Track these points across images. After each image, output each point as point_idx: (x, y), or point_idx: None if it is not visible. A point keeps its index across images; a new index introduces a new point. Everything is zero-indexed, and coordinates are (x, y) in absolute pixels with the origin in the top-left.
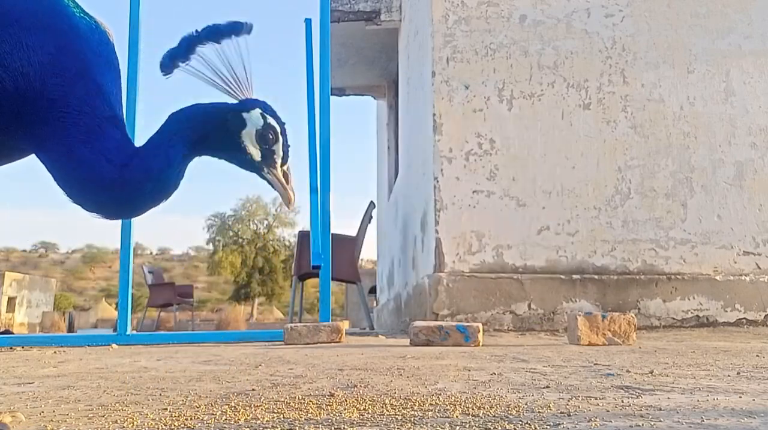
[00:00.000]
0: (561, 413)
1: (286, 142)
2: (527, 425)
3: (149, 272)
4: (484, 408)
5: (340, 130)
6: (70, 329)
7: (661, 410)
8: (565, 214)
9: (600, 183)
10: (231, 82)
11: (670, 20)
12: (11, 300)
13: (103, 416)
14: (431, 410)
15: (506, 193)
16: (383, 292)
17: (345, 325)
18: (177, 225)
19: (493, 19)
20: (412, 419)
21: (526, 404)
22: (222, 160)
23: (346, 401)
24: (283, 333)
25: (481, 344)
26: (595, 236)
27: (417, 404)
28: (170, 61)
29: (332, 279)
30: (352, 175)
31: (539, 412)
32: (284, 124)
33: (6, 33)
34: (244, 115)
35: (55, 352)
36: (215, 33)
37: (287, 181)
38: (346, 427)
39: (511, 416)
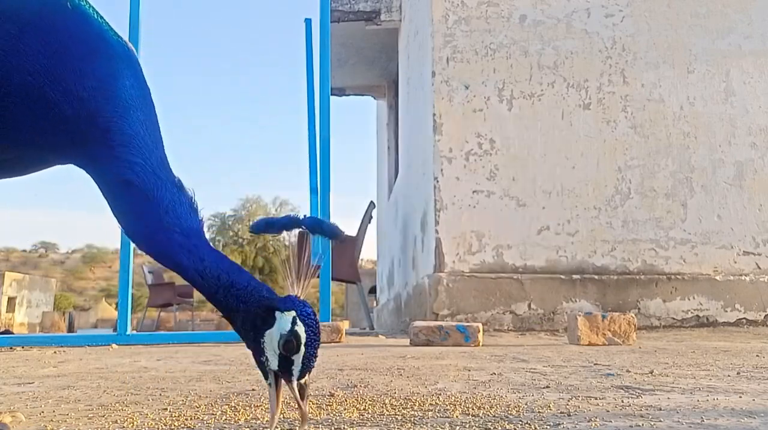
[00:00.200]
0: (561, 413)
1: (312, 354)
2: (527, 425)
3: (149, 272)
4: (484, 408)
5: (340, 130)
6: (70, 329)
7: (661, 410)
8: (565, 214)
9: (600, 183)
10: (293, 273)
11: (670, 20)
12: (11, 300)
13: (103, 416)
14: (431, 410)
15: (506, 193)
16: (383, 292)
17: (345, 325)
18: None
19: (493, 19)
20: (412, 419)
21: (526, 404)
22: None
23: (346, 401)
24: None
25: (481, 344)
26: (595, 236)
27: (417, 404)
28: (264, 228)
29: (332, 279)
30: (352, 175)
31: (539, 412)
32: (316, 337)
33: (64, 61)
34: (278, 314)
35: (55, 352)
36: (316, 228)
37: (303, 398)
38: (346, 427)
39: (511, 416)
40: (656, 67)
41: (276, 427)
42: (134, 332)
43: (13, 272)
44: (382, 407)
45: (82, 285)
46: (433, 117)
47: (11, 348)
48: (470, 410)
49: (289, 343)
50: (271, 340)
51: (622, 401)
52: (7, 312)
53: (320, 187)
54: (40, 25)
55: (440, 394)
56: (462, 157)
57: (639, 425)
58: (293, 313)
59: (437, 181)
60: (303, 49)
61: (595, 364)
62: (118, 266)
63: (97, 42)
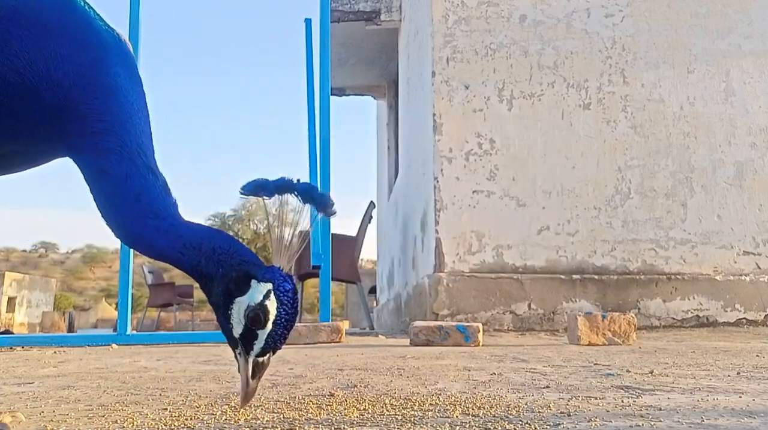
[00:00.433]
0: (561, 413)
1: (279, 334)
2: (527, 425)
3: (149, 272)
4: (484, 408)
5: (340, 130)
6: (70, 329)
7: (661, 410)
8: (565, 214)
9: (600, 183)
10: (280, 242)
11: (670, 20)
12: (11, 300)
13: (103, 416)
14: (431, 410)
15: (506, 193)
16: (383, 292)
17: (345, 325)
18: None
19: (493, 19)
20: (412, 419)
21: (526, 404)
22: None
23: (346, 401)
24: None
25: (481, 344)
26: (595, 236)
27: (417, 404)
28: (255, 190)
29: (332, 279)
30: (352, 175)
31: (539, 412)
32: (289, 317)
33: (39, 43)
34: (253, 282)
35: (55, 352)
36: (307, 195)
37: (254, 376)
38: (346, 427)
39: (511, 416)
40: (656, 67)
41: (247, 404)
42: (134, 332)
43: (13, 272)
44: (382, 407)
45: (82, 285)
46: (433, 117)
47: (11, 348)
48: (470, 410)
49: (256, 316)
50: (239, 309)
51: (622, 401)
52: (7, 312)
53: (320, 187)
54: (20, 10)
55: (440, 394)
56: (462, 157)
57: (639, 425)
58: (270, 285)
59: (437, 181)
60: (303, 49)
61: (595, 364)
62: (118, 266)
63: (82, 29)
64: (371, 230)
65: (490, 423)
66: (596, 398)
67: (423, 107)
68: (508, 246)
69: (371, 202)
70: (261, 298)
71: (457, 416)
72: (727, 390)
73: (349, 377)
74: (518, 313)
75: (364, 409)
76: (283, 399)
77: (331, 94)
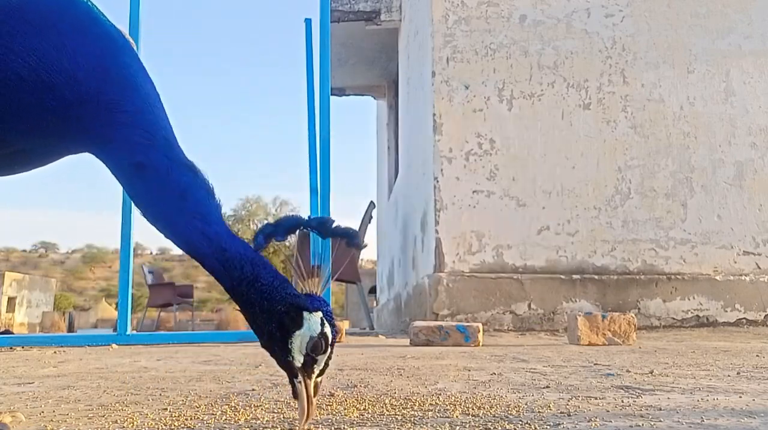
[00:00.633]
0: (561, 413)
1: (332, 353)
2: (527, 425)
3: (149, 272)
4: (484, 408)
5: (340, 130)
6: (70, 329)
7: (661, 410)
8: (565, 214)
9: (600, 183)
10: (305, 270)
11: (670, 20)
12: (11, 300)
13: (103, 416)
14: (431, 410)
15: (506, 193)
16: (383, 292)
17: (345, 325)
18: None
19: (493, 19)
20: (412, 419)
21: (526, 404)
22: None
23: (346, 401)
24: None
25: (481, 344)
26: (595, 236)
27: (417, 404)
28: (265, 241)
29: (332, 279)
30: (352, 175)
31: (539, 412)
32: (336, 334)
33: (48, 38)
34: (306, 314)
35: (55, 352)
36: (325, 229)
37: (315, 394)
38: (346, 427)
39: (511, 416)
40: (656, 67)
41: (306, 424)
42: (134, 332)
43: (13, 272)
44: (382, 407)
45: (82, 285)
46: (433, 117)
47: (11, 348)
48: (470, 410)
49: (319, 345)
50: (301, 341)
51: (622, 401)
52: (7, 312)
53: (320, 187)
54: (25, 7)
55: (440, 394)
56: (462, 157)
57: (639, 425)
58: (320, 313)
59: (437, 181)
60: (303, 49)
61: (595, 364)
62: (118, 266)
63: (88, 21)
64: (371, 230)
65: (490, 423)
66: (596, 398)
67: (423, 107)
68: (508, 246)
69: (371, 202)
70: (320, 328)
71: (457, 416)
72: (727, 390)
73: (349, 377)
74: (518, 313)
75: (364, 409)
76: (283, 399)
77: (331, 94)
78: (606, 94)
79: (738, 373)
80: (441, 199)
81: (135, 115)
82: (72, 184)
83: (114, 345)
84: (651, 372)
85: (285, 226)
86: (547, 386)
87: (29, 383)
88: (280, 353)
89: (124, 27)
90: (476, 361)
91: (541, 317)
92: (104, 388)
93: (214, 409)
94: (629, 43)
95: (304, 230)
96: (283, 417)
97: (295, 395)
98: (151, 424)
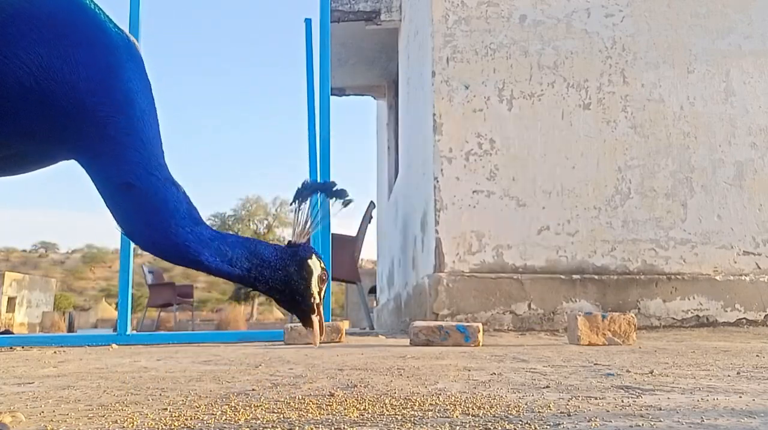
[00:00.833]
0: (561, 413)
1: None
2: (527, 425)
3: (149, 272)
4: (484, 408)
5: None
6: (70, 329)
7: (661, 410)
8: (565, 214)
9: (600, 183)
10: (301, 226)
11: (670, 20)
12: (11, 300)
13: (103, 416)
14: (431, 410)
15: (506, 193)
16: (383, 292)
17: (345, 325)
18: None
19: (493, 19)
20: (412, 419)
21: (526, 404)
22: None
23: (346, 401)
24: (283, 333)
25: (481, 344)
26: (595, 236)
27: (417, 404)
28: (302, 193)
29: (332, 279)
30: (352, 175)
31: (539, 412)
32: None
33: (53, 45)
34: (309, 262)
35: (55, 352)
36: (327, 190)
37: (319, 314)
38: (346, 427)
39: (511, 416)
40: (656, 67)
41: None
42: (134, 332)
43: (13, 272)
44: (382, 407)
45: (82, 285)
46: (433, 117)
47: (11, 348)
48: (470, 410)
49: (322, 277)
50: (314, 281)
51: (622, 401)
52: (7, 312)
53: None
54: (33, 13)
55: (440, 394)
56: (462, 157)
57: (639, 425)
58: (314, 255)
59: (437, 181)
60: (303, 49)
61: (595, 364)
62: (118, 266)
63: (95, 32)
64: (371, 230)
65: (490, 423)
66: (596, 398)
67: (423, 107)
68: (508, 246)
69: (371, 202)
70: (320, 266)
71: (457, 416)
72: (727, 390)
73: (349, 377)
74: (518, 313)
75: (364, 409)
76: (283, 399)
77: (331, 94)
78: (606, 94)
79: (738, 373)
80: (441, 199)
81: (128, 132)
82: (72, 185)
83: (114, 345)
84: (651, 372)
85: (310, 189)
86: (547, 386)
87: (29, 383)
88: (304, 300)
89: (124, 27)
90: (476, 361)
91: (541, 317)
92: (104, 388)
93: (214, 409)
94: (629, 43)
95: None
96: (283, 417)
97: (311, 326)
98: (151, 424)
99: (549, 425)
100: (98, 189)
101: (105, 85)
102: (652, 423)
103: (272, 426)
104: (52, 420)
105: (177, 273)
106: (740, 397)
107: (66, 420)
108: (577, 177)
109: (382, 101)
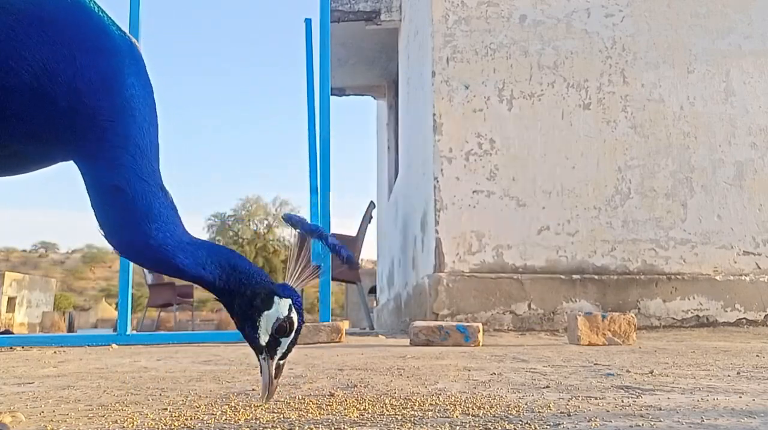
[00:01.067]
0: (561, 413)
1: (295, 340)
2: (527, 425)
3: (149, 272)
4: (484, 408)
5: (340, 130)
6: (70, 329)
7: (661, 410)
8: (565, 214)
9: (600, 183)
10: (296, 267)
11: (670, 20)
12: (11, 300)
13: (103, 416)
14: (431, 410)
15: (506, 193)
16: (383, 292)
17: (345, 325)
18: None
19: (493, 19)
20: (412, 419)
21: (526, 404)
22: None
23: (346, 401)
24: None
25: (481, 344)
26: (595, 236)
27: (417, 404)
28: (293, 223)
29: (332, 279)
30: (352, 175)
31: (539, 412)
32: (302, 324)
33: (56, 48)
34: (276, 298)
35: (55, 352)
36: (333, 251)
37: (277, 376)
38: (346, 427)
39: (511, 416)
40: (656, 67)
41: (266, 400)
42: (134, 332)
43: (13, 272)
44: (382, 407)
45: (82, 285)
46: (433, 117)
47: (11, 348)
48: (470, 410)
49: (283, 327)
50: (267, 321)
51: (622, 401)
52: (7, 312)
53: (320, 187)
54: (38, 14)
55: (440, 394)
56: (462, 157)
57: (639, 425)
58: (290, 301)
59: (437, 181)
60: (303, 49)
61: (595, 364)
62: (118, 266)
63: (98, 36)
64: (371, 229)
65: (490, 423)
66: (596, 398)
67: (423, 107)
68: (508, 246)
69: (371, 202)
70: (286, 312)
71: (457, 416)
72: (727, 390)
73: (349, 377)
74: (518, 313)
75: (364, 409)
76: (283, 399)
77: (331, 94)
78: (606, 94)
79: (738, 373)
80: (441, 199)
81: (126, 137)
82: (72, 185)
83: (114, 345)
84: (651, 372)
85: (310, 228)
86: (547, 386)
87: (29, 383)
88: (249, 330)
89: (123, 27)
90: (476, 361)
91: (541, 317)
92: (104, 388)
93: (214, 409)
94: (629, 43)
95: (320, 241)
96: (283, 417)
97: (261, 372)
98: (151, 424)
99: (549, 425)
100: (87, 188)
101: (106, 90)
102: (652, 423)
103: (272, 426)
104: (52, 420)
105: None
106: (740, 397)
107: (66, 420)
108: (577, 177)
109: (382, 101)
